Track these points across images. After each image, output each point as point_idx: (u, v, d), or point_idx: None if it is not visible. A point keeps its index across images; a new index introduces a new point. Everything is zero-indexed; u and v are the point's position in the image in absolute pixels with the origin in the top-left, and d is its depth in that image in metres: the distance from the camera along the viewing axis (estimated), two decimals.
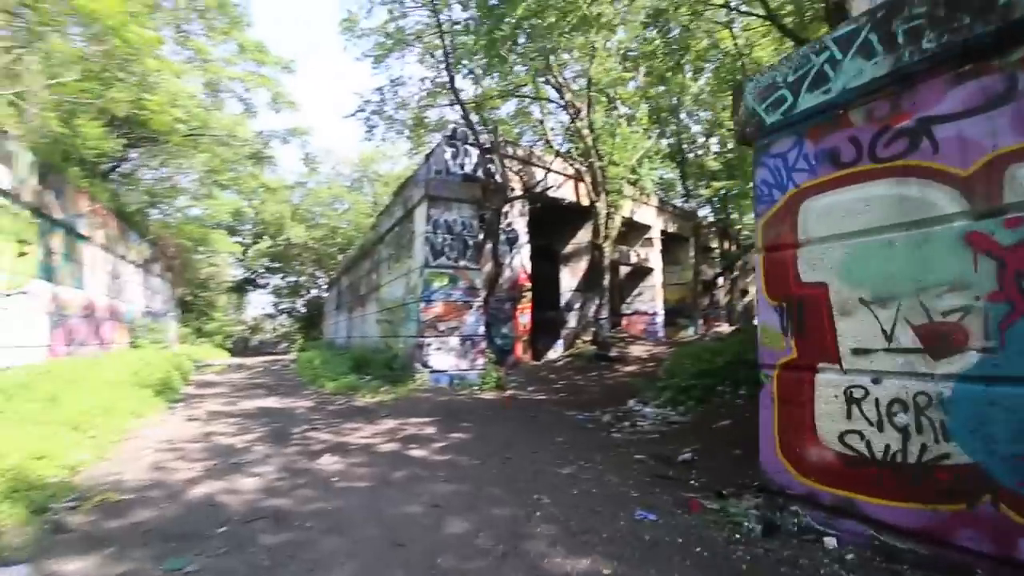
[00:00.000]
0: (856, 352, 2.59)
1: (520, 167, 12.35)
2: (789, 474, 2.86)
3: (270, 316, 42.58)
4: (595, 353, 11.53)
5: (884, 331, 2.48)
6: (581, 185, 14.10)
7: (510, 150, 12.30)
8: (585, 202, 14.12)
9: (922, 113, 2.42)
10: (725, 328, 16.43)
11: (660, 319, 17.29)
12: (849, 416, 2.59)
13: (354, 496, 3.66)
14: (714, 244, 21.54)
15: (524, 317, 12.40)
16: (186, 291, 26.20)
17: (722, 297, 21.60)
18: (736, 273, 21.24)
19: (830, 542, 2.60)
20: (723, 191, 17.30)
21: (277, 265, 35.09)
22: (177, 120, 11.55)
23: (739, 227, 21.45)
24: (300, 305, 39.48)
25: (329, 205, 31.66)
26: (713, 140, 19.23)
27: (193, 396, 9.72)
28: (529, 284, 12.57)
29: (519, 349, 12.16)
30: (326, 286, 32.15)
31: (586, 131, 12.42)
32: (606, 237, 12.67)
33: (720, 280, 20.33)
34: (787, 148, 3.00)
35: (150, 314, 16.44)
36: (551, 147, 13.72)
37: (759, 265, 3.12)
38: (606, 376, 10.45)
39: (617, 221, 13.49)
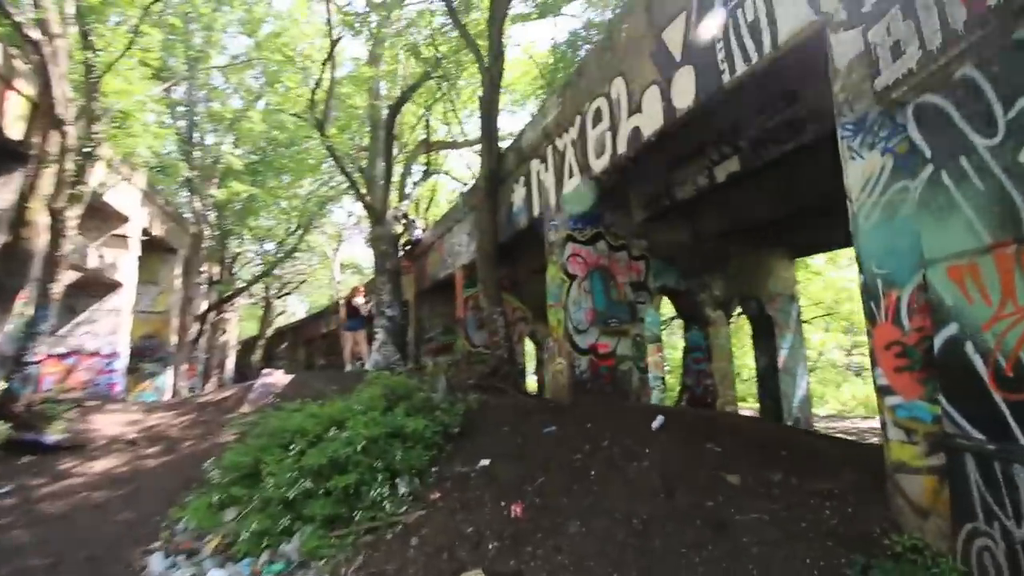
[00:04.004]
0: None
1: None
2: None
3: None
4: (6, 438, 5.22)
5: None
6: (12, 96, 7.13)
7: None
8: (17, 132, 7.18)
9: None
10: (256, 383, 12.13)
11: (122, 364, 10.83)
12: None
13: None
14: (204, 268, 16.48)
15: None
16: None
17: (203, 339, 16.46)
18: (229, 308, 16.81)
19: None
20: (244, 197, 13.24)
21: None
22: None
23: (238, 251, 17.42)
24: None
25: None
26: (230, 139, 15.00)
27: None
28: None
29: None
30: None
31: None
32: (72, 200, 6.54)
33: (211, 315, 15.38)
34: None
35: None
36: None
37: None
38: (54, 492, 4.68)
39: (89, 186, 7.38)
